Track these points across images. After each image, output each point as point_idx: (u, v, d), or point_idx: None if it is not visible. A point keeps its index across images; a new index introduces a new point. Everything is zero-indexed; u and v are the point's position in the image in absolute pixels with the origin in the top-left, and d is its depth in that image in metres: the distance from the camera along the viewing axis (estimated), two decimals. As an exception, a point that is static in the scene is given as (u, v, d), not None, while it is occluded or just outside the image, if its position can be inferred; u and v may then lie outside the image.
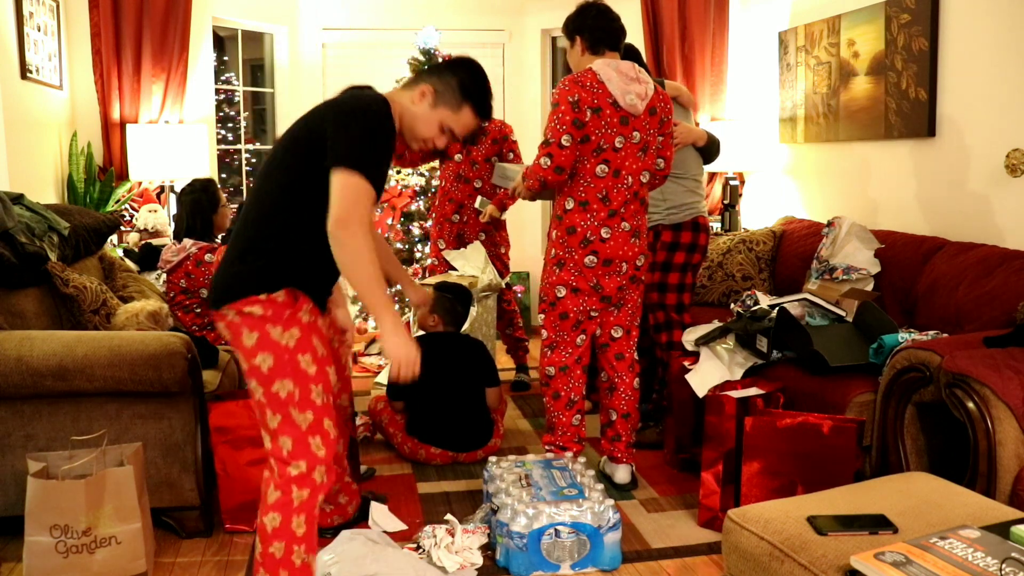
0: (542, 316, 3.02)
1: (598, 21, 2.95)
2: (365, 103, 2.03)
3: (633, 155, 2.89)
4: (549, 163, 2.81)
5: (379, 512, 2.80)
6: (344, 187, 1.94)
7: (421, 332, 3.65)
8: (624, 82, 2.84)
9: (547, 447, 3.04)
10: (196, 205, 3.55)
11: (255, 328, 2.02)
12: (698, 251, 3.49)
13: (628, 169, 2.89)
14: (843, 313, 3.16)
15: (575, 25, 2.98)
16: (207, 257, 3.44)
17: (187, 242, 3.48)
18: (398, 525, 2.77)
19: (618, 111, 2.84)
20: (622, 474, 3.10)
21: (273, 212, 2.07)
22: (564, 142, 2.80)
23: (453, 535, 2.60)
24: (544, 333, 3.02)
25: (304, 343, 2.05)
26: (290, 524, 2.04)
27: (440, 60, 2.08)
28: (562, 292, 2.95)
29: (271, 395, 2.03)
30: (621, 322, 3.06)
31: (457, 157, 4.23)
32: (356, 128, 1.99)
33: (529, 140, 6.01)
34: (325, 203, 1.96)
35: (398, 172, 5.10)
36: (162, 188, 4.81)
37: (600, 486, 2.61)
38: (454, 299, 3.54)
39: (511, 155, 4.21)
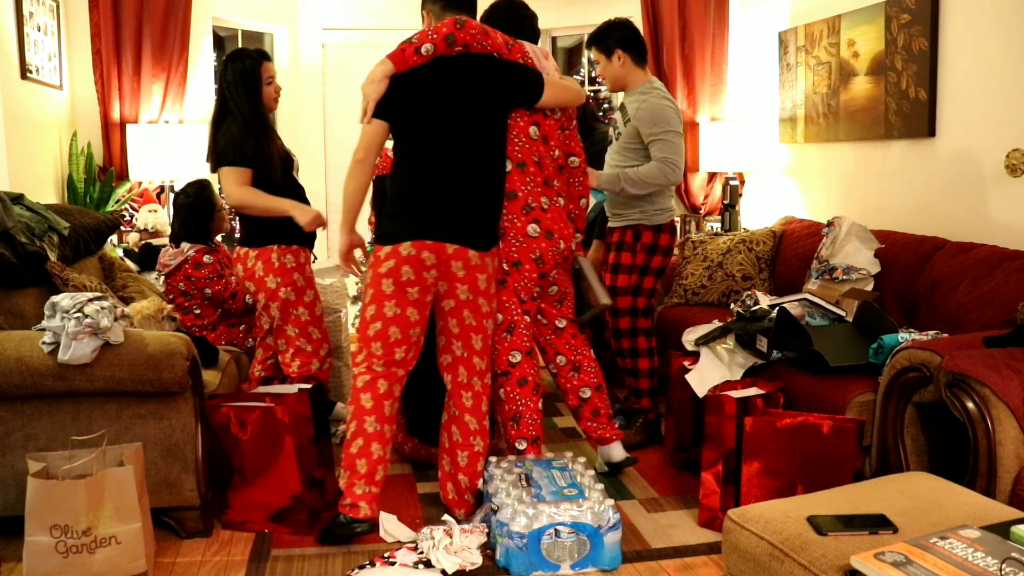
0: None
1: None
2: None
3: (554, 131, 2.91)
4: None
5: (389, 522, 2.78)
6: None
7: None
8: (538, 60, 2.90)
9: (516, 442, 2.88)
10: (192, 209, 3.53)
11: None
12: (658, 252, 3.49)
13: (555, 139, 2.90)
14: (843, 313, 3.16)
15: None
16: (205, 259, 3.43)
17: (184, 246, 3.47)
18: (408, 534, 2.73)
19: None
20: (617, 452, 3.09)
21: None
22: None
23: (451, 536, 2.59)
24: (499, 316, 2.86)
25: None
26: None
27: None
28: (504, 266, 2.84)
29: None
30: (564, 314, 3.10)
31: None
32: None
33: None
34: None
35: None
36: (162, 188, 4.81)
37: (600, 486, 2.61)
38: None
39: None
